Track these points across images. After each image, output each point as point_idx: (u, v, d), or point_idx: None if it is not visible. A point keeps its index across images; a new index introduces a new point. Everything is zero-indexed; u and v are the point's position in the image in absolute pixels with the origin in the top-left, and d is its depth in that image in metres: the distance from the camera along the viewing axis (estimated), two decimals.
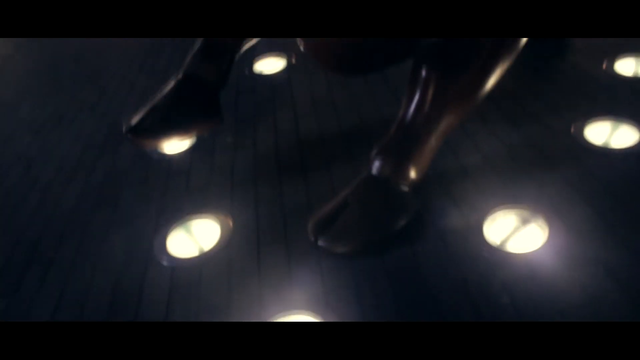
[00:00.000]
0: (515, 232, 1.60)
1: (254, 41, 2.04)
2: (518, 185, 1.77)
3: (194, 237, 1.85)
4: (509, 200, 1.70)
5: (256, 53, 2.93)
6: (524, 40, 1.64)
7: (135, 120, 1.95)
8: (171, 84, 1.97)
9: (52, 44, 4.36)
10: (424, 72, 1.57)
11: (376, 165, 1.67)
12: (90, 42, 4.10)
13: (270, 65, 2.92)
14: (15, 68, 3.96)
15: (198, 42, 1.98)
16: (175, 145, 2.24)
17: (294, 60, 2.89)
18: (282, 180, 2.00)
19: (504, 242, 1.57)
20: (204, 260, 1.72)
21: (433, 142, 1.66)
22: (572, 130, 1.98)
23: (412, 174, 1.66)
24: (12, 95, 3.37)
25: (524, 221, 1.62)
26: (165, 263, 1.73)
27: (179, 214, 1.94)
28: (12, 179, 2.39)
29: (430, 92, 1.57)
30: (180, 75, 1.97)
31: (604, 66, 2.36)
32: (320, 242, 1.61)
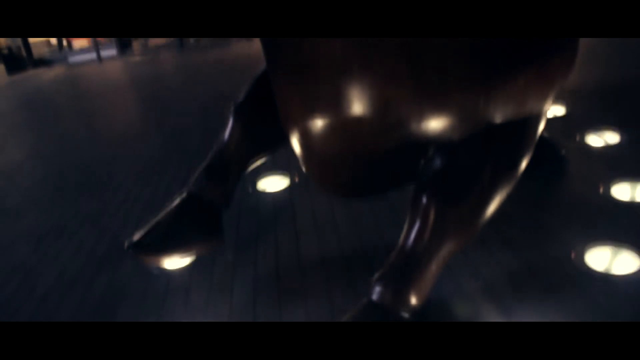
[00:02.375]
0: None
1: (259, 162, 2.10)
2: (519, 314, 1.74)
3: None
4: None
5: (260, 171, 3.01)
6: (522, 167, 1.69)
7: (137, 236, 1.96)
8: (175, 202, 2.01)
9: (62, 153, 4.49)
10: (424, 200, 1.60)
11: (377, 291, 1.66)
12: (99, 153, 4.23)
13: (273, 183, 2.98)
14: (24, 177, 4.05)
15: (205, 161, 2.04)
16: (175, 262, 2.23)
17: (296, 179, 2.96)
18: (282, 304, 1.97)
19: None
20: None
21: (434, 268, 1.66)
22: (573, 256, 1.98)
23: (413, 300, 1.64)
24: (18, 203, 3.42)
25: None
26: None
27: None
28: (9, 288, 2.37)
29: (431, 220, 1.59)
30: (184, 194, 2.01)
31: (601, 191, 2.41)
32: None
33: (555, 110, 3.55)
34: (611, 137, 3.02)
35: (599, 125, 3.18)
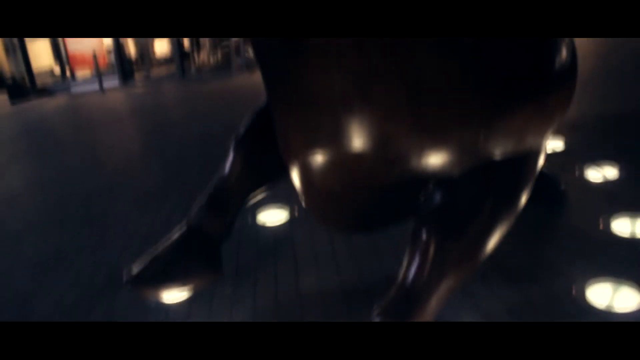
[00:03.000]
0: None
1: (259, 195, 2.10)
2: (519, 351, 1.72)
3: None
4: None
5: (260, 204, 3.01)
6: (522, 202, 1.69)
7: (136, 269, 1.96)
8: (175, 234, 2.01)
9: (62, 182, 4.50)
10: (424, 235, 1.60)
11: None
12: (99, 183, 4.24)
13: (273, 216, 2.98)
14: (24, 204, 4.05)
15: (205, 193, 2.05)
16: (174, 295, 2.22)
17: (296, 212, 2.96)
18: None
19: None
20: None
21: (434, 303, 1.64)
22: (574, 291, 1.97)
23: None
24: (16, 231, 3.41)
25: None
26: None
27: None
28: (5, 315, 2.35)
29: (431, 255, 1.59)
30: (184, 226, 2.01)
31: (601, 226, 2.41)
32: None
33: (554, 144, 3.57)
34: (610, 172, 3.04)
35: (597, 159, 3.20)
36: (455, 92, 1.43)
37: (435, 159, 1.52)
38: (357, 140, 1.45)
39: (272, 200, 3.06)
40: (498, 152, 1.58)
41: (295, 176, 1.66)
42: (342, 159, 1.50)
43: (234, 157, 1.96)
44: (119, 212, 3.45)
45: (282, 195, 3.07)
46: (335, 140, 1.46)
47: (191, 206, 2.07)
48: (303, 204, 1.81)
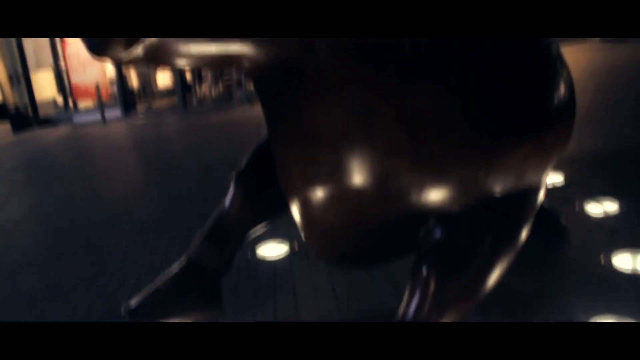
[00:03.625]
0: None
1: (260, 230, 2.10)
2: None
3: None
4: None
5: (259, 238, 3.00)
6: (523, 238, 1.69)
7: (135, 302, 1.94)
8: (174, 268, 2.00)
9: (62, 213, 4.50)
10: (424, 271, 1.59)
11: None
12: (98, 215, 4.24)
13: (272, 250, 2.97)
14: (23, 235, 4.04)
15: (205, 227, 2.04)
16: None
17: (296, 247, 2.95)
18: None
19: None
20: None
21: None
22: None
23: None
24: (15, 262, 3.40)
25: None
26: None
27: None
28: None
29: (431, 291, 1.58)
30: (183, 260, 2.00)
31: (602, 261, 2.40)
32: None
33: (554, 178, 3.58)
34: (610, 206, 3.04)
35: (598, 194, 3.20)
36: (455, 129, 1.44)
37: (435, 195, 1.53)
38: (358, 176, 1.46)
39: (271, 234, 3.06)
40: (498, 188, 1.59)
41: (296, 210, 1.67)
42: (342, 194, 1.50)
43: (235, 192, 1.96)
44: (118, 244, 3.44)
45: (281, 228, 3.07)
46: (335, 175, 1.47)
47: (191, 240, 2.07)
48: (303, 237, 1.80)
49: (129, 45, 1.31)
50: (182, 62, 1.40)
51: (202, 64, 1.45)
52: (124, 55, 1.33)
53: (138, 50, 1.32)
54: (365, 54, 1.38)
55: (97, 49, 1.34)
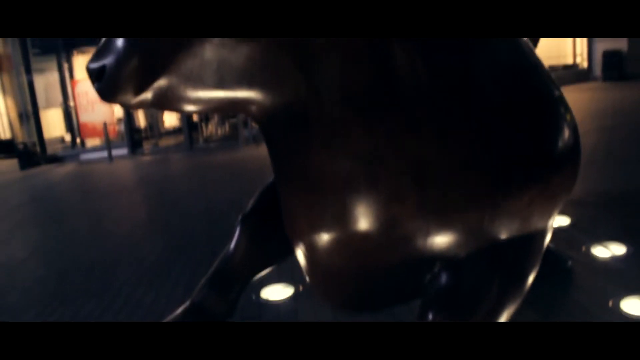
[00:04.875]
0: None
1: (264, 272, 2.09)
2: None
3: None
4: None
5: (264, 280, 2.98)
6: (529, 283, 1.67)
7: None
8: (178, 311, 1.98)
9: (65, 252, 4.49)
10: (430, 317, 1.57)
11: None
12: (102, 254, 4.23)
13: (277, 293, 2.94)
14: (26, 274, 4.03)
15: (210, 270, 2.04)
16: None
17: (300, 289, 2.93)
18: None
19: None
20: None
21: None
22: None
23: None
24: (16, 301, 3.38)
25: None
26: None
27: None
28: None
29: None
30: (187, 303, 1.99)
31: (610, 305, 2.37)
32: None
33: (560, 220, 3.56)
34: (617, 249, 3.01)
35: (604, 236, 3.18)
36: (459, 176, 1.45)
37: (440, 241, 1.52)
38: (363, 222, 1.46)
39: (276, 276, 3.04)
40: (504, 233, 1.58)
41: (301, 255, 1.66)
42: (348, 240, 1.50)
43: (240, 236, 1.96)
44: (121, 286, 3.41)
45: (286, 271, 3.05)
46: (340, 221, 1.47)
47: (195, 282, 2.06)
48: (308, 281, 1.79)
49: (139, 90, 1.34)
50: (190, 108, 1.42)
51: (209, 109, 1.47)
52: (133, 100, 1.35)
53: (147, 95, 1.35)
54: (370, 102, 1.39)
55: (107, 94, 1.37)
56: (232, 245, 1.98)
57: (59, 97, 14.53)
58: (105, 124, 12.56)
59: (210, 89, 1.36)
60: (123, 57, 1.34)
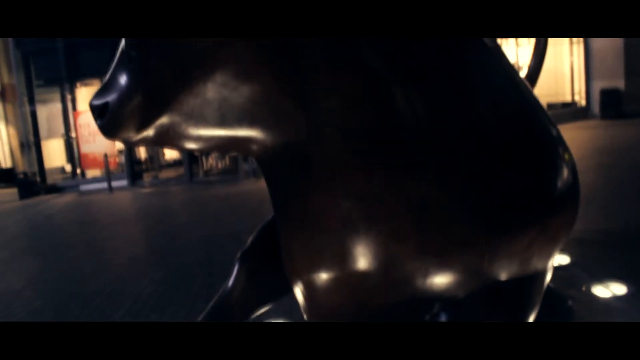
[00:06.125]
0: None
1: (263, 309, 2.07)
2: None
3: None
4: None
5: (262, 317, 2.93)
6: (530, 321, 1.66)
7: None
8: None
9: (62, 284, 4.46)
10: None
11: None
12: (99, 287, 4.20)
13: None
14: (20, 306, 3.99)
15: (209, 306, 2.02)
16: None
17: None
18: None
19: None
20: None
21: None
22: None
23: None
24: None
25: None
26: None
27: None
28: None
29: None
30: None
31: None
32: None
33: (560, 258, 3.55)
34: (618, 288, 2.99)
35: (605, 275, 3.16)
36: (458, 217, 1.45)
37: (440, 281, 1.52)
38: (362, 262, 1.46)
39: (274, 313, 3.00)
40: (503, 274, 1.58)
41: (299, 293, 1.65)
42: (347, 279, 1.49)
43: (238, 273, 1.95)
44: (117, 320, 3.38)
45: (284, 308, 3.02)
46: (340, 260, 1.47)
47: (192, 318, 2.04)
48: (306, 319, 1.78)
49: (140, 128, 1.35)
50: (191, 145, 1.44)
51: (210, 148, 1.49)
52: (135, 137, 1.37)
53: (149, 132, 1.36)
54: (370, 143, 1.41)
55: (109, 131, 1.39)
56: (231, 282, 1.96)
57: (60, 127, 14.62)
58: (106, 155, 12.61)
59: (211, 127, 1.38)
60: (126, 95, 1.36)
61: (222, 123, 1.37)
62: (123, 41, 1.42)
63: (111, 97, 1.37)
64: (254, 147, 1.46)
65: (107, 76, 1.42)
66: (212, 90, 1.34)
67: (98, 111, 1.39)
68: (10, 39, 14.44)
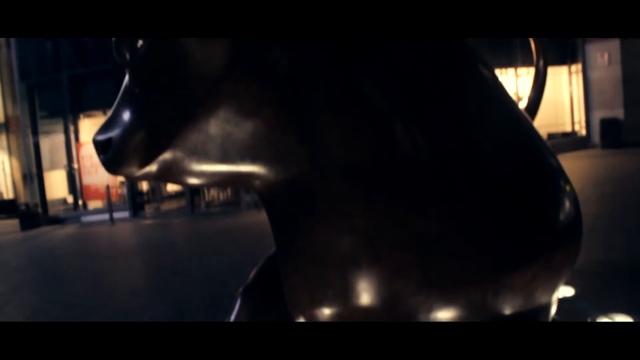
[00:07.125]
0: None
1: None
2: None
3: None
4: None
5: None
6: None
7: None
8: None
9: (64, 315, 4.41)
10: None
11: None
12: (101, 319, 4.16)
13: None
14: (13, 310, 3.94)
15: None
16: None
17: None
18: None
19: None
20: None
21: None
22: None
23: None
24: None
25: None
26: None
27: None
28: None
29: None
30: None
31: None
32: None
33: (564, 290, 3.52)
34: (623, 320, 2.96)
35: (609, 307, 3.13)
36: (461, 252, 1.45)
37: (443, 316, 1.50)
38: (365, 298, 1.45)
39: None
40: (507, 309, 1.56)
41: None
42: (349, 315, 1.48)
43: (240, 308, 1.93)
44: None
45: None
46: (343, 297, 1.46)
47: None
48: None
49: (144, 163, 1.36)
50: (194, 181, 1.44)
51: (213, 183, 1.49)
52: (137, 173, 1.38)
53: (152, 168, 1.37)
54: (372, 178, 1.41)
55: (112, 167, 1.39)
56: (232, 318, 1.95)
57: (63, 159, 14.71)
58: (107, 187, 12.65)
59: (214, 163, 1.39)
60: (129, 131, 1.37)
61: (225, 159, 1.38)
62: (127, 77, 1.44)
63: (115, 133, 1.38)
64: (257, 182, 1.46)
65: (111, 112, 1.44)
66: (215, 126, 1.35)
67: (101, 147, 1.40)
68: (15, 72, 14.63)
